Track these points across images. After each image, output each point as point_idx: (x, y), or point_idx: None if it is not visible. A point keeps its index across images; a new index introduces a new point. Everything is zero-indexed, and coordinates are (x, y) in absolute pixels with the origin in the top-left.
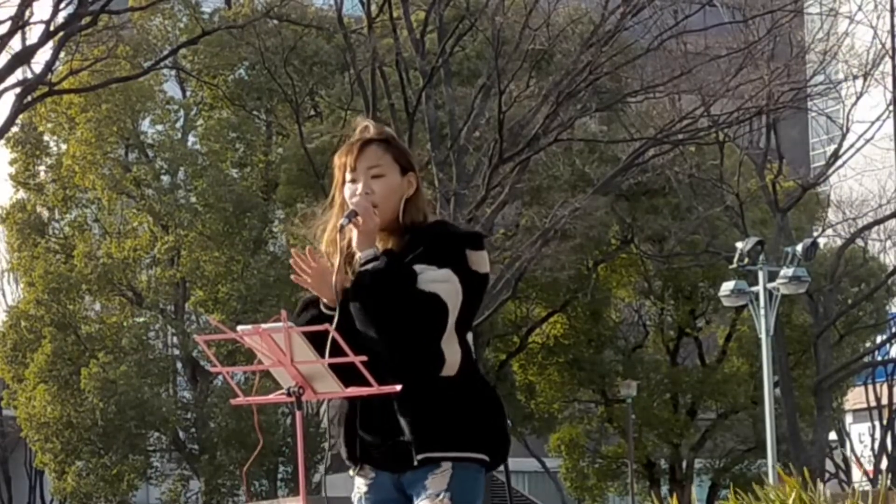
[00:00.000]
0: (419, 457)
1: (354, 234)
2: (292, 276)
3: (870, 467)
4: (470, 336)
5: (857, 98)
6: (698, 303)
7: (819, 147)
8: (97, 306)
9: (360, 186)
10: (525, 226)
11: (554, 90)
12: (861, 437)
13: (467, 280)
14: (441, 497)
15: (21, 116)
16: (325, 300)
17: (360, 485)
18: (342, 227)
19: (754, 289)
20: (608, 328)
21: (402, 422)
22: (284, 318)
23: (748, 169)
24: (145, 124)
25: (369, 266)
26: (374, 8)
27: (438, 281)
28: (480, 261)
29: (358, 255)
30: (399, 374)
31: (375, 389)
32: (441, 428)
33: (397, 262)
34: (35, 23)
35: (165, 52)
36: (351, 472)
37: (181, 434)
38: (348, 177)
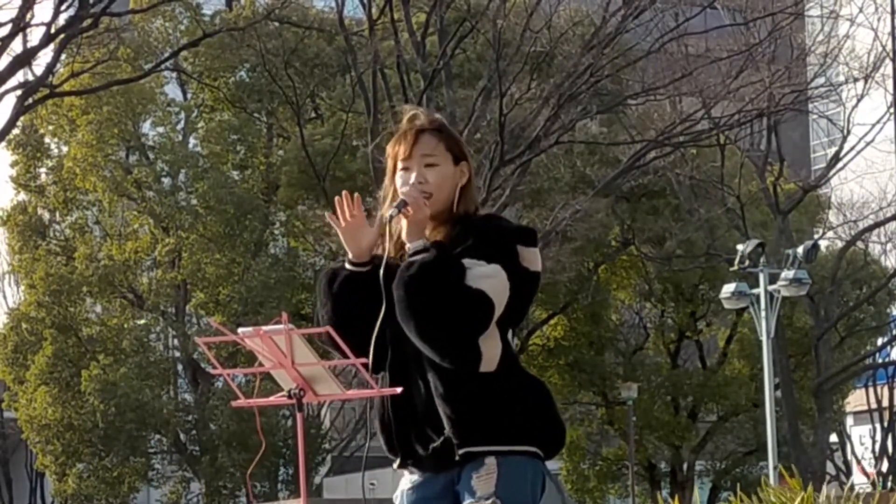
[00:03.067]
0: (461, 451)
1: (403, 223)
2: (327, 214)
3: (871, 469)
4: (510, 333)
5: (858, 100)
6: (699, 305)
7: (820, 149)
8: (98, 308)
9: (413, 175)
10: None
11: (555, 92)
12: (862, 439)
13: (517, 277)
14: (490, 501)
15: (22, 118)
16: (350, 255)
17: (403, 483)
18: (391, 217)
19: (755, 291)
20: (609, 330)
21: (444, 418)
22: (285, 321)
23: (749, 171)
24: (146, 126)
25: (418, 258)
26: (375, 10)
27: (486, 277)
28: (532, 258)
29: (407, 245)
30: (446, 373)
31: (376, 392)
32: (481, 422)
33: (447, 255)
34: (36, 25)
35: (166, 55)
36: (395, 467)
37: (182, 436)
38: (401, 165)
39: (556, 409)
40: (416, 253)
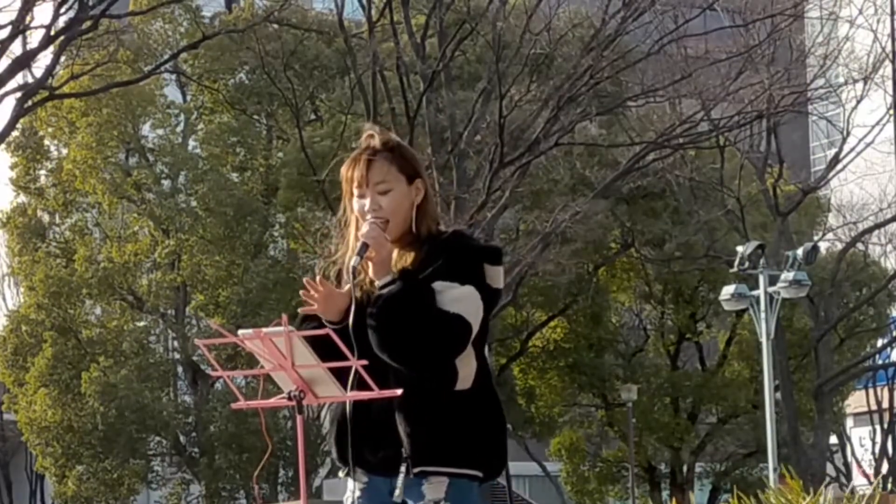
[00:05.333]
0: (415, 470)
1: (371, 265)
2: (300, 310)
3: (870, 471)
4: (485, 348)
5: (858, 102)
6: (699, 307)
7: (819, 151)
8: (98, 310)
9: (367, 203)
10: (525, 230)
11: (554, 94)
12: (862, 440)
13: (484, 295)
14: None
15: (22, 121)
16: (332, 319)
17: (352, 488)
18: (354, 268)
19: (755, 293)
20: (608, 332)
21: (402, 433)
22: (285, 322)
23: (748, 173)
24: (146, 128)
25: (385, 291)
26: (374, 12)
27: (461, 300)
28: (496, 276)
29: (376, 283)
30: (412, 388)
31: (377, 394)
32: (440, 444)
33: (415, 285)
34: (36, 27)
35: (166, 57)
36: (341, 474)
37: (182, 438)
38: (356, 192)
39: (506, 433)
40: (384, 286)
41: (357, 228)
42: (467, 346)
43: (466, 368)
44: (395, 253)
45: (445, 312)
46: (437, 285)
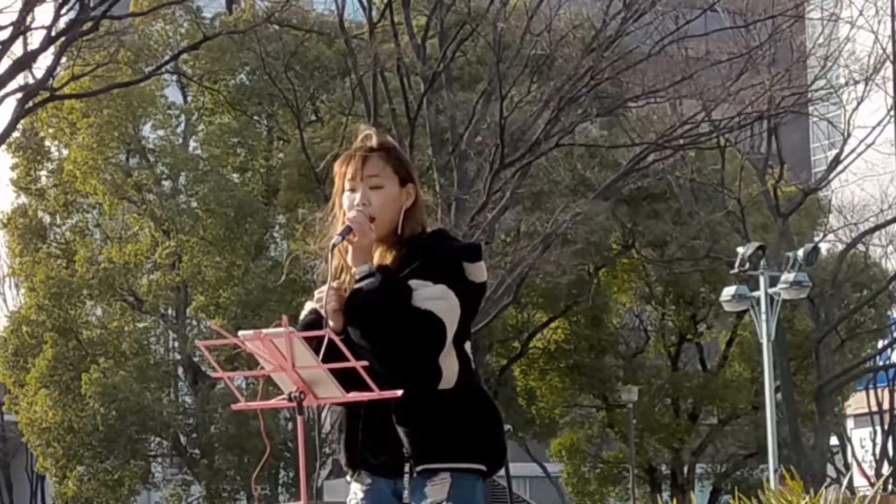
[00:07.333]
0: (418, 468)
1: (350, 249)
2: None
3: (871, 472)
4: (468, 344)
5: (859, 103)
6: (699, 308)
7: (820, 152)
8: (98, 311)
9: (357, 196)
10: (526, 231)
11: (555, 95)
12: (862, 441)
13: (465, 292)
14: None
15: (22, 121)
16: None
17: (356, 490)
18: (334, 245)
19: (755, 294)
20: (609, 333)
21: (401, 433)
22: (286, 323)
23: (749, 174)
24: (146, 129)
25: (363, 284)
26: (375, 13)
27: (433, 298)
28: (477, 271)
29: (353, 270)
30: (396, 388)
31: (377, 395)
32: (439, 440)
33: (392, 279)
34: (36, 28)
35: (167, 58)
36: (348, 478)
37: (182, 439)
38: (347, 186)
39: (503, 426)
40: (362, 279)
41: (343, 223)
42: (444, 343)
43: (450, 368)
44: (376, 253)
45: (416, 309)
46: (412, 283)
